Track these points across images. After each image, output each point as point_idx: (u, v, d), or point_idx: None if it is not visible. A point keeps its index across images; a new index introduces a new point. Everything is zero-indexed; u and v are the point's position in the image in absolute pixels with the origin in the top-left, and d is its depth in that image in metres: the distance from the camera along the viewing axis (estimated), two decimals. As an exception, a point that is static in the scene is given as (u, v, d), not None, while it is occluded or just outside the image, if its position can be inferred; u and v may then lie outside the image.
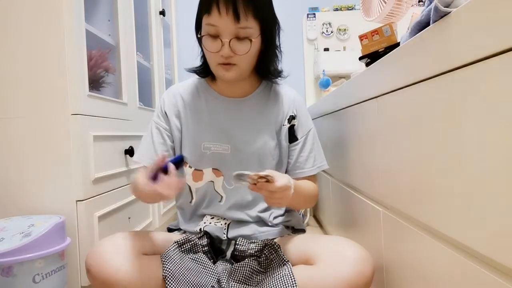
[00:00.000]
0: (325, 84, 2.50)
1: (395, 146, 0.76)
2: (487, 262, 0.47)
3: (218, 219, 1.02)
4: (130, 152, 1.58)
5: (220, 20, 0.88)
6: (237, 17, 0.87)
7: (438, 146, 0.57)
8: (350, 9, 2.93)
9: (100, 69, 1.59)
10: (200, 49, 1.01)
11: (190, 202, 1.05)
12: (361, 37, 1.18)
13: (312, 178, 1.05)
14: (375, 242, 0.91)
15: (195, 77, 1.10)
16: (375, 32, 1.14)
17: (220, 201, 1.02)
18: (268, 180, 0.77)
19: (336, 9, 2.94)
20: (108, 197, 1.39)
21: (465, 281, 0.52)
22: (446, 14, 0.53)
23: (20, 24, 1.20)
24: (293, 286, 0.78)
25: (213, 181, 1.02)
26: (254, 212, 1.02)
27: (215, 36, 0.90)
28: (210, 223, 1.01)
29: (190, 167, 1.03)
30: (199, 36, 0.96)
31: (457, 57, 0.50)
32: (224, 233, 1.00)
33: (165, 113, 1.05)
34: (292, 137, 1.05)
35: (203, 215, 1.04)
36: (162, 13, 2.36)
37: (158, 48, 2.29)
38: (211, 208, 1.03)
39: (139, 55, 1.98)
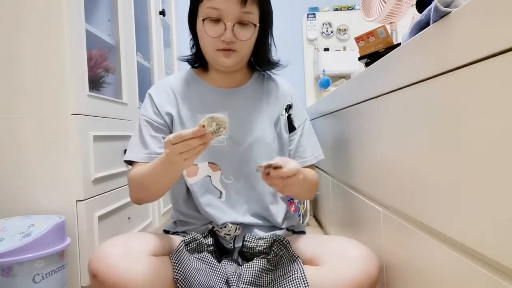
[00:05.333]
0: (325, 84, 2.50)
1: (395, 146, 0.76)
2: (487, 262, 0.47)
3: (224, 233, 0.97)
4: (130, 152, 1.58)
5: (225, 3, 0.87)
6: (244, 0, 0.87)
7: (438, 146, 0.57)
8: (350, 9, 2.93)
9: (100, 69, 1.59)
10: (191, 38, 0.99)
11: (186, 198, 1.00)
12: (357, 39, 1.18)
13: (312, 167, 1.04)
14: (375, 242, 0.91)
15: (182, 71, 1.07)
16: (370, 34, 1.14)
17: (220, 197, 0.98)
18: (276, 167, 0.77)
19: (336, 9, 2.93)
20: (108, 197, 1.39)
21: (465, 281, 0.52)
22: (446, 14, 0.53)
23: (20, 24, 1.20)
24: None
25: (210, 176, 0.98)
26: (264, 211, 0.99)
27: (217, 20, 0.89)
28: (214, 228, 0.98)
29: None
30: (193, 29, 0.94)
31: (457, 57, 0.50)
32: (231, 243, 0.97)
33: (157, 109, 0.99)
34: (290, 126, 1.04)
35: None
36: (162, 13, 2.36)
37: (158, 48, 2.29)
38: (214, 207, 0.97)
39: (139, 55, 1.98)
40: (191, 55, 1.02)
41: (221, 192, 0.99)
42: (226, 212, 0.98)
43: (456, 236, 0.53)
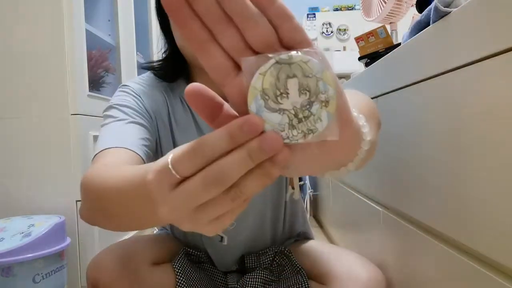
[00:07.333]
0: (325, 84, 2.50)
1: (395, 146, 0.76)
2: (487, 262, 0.47)
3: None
4: (130, 152, 1.58)
5: None
6: None
7: (438, 146, 0.57)
8: (350, 9, 2.93)
9: (100, 69, 1.59)
10: (163, 39, 0.75)
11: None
12: (357, 39, 1.18)
13: None
14: (375, 242, 0.91)
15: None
16: (371, 34, 1.14)
17: (221, 241, 0.86)
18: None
19: (336, 9, 2.94)
20: (108, 197, 1.39)
21: (465, 282, 0.52)
22: (446, 14, 0.53)
23: (20, 24, 1.20)
24: None
25: None
26: (270, 239, 0.89)
27: None
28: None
29: None
30: (163, 22, 0.71)
31: (457, 57, 0.50)
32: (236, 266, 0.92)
33: (142, 105, 0.76)
34: None
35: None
36: (162, 13, 2.36)
37: (158, 48, 2.29)
38: (213, 249, 0.88)
39: (139, 55, 1.98)
40: (159, 61, 0.77)
41: (222, 237, 0.86)
42: (226, 255, 0.89)
43: (456, 236, 0.53)
